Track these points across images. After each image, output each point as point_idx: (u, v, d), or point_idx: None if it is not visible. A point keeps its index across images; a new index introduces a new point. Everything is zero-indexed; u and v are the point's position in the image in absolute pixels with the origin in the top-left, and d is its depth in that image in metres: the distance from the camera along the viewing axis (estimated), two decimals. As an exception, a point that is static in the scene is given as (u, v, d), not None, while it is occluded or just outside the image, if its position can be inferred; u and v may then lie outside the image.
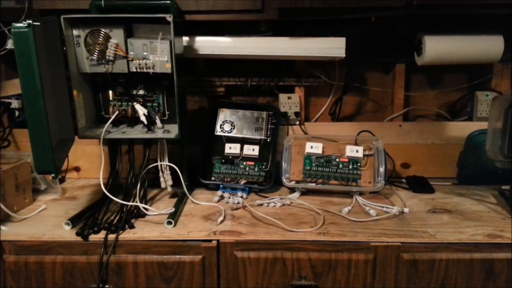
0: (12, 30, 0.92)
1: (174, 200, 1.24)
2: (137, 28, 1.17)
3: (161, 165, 1.25)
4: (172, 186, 1.28)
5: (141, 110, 1.20)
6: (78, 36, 1.13)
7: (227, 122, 1.38)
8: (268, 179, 1.32)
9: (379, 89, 1.52)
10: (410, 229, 1.08)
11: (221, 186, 1.32)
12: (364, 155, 1.30)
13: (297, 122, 1.46)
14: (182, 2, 1.19)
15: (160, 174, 1.26)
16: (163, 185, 1.27)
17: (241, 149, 1.35)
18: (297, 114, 1.46)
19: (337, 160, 1.31)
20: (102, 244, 1.04)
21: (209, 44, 1.32)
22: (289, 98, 1.45)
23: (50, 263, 1.05)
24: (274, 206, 1.22)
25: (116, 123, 1.23)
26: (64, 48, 1.11)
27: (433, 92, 1.52)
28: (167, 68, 1.15)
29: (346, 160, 1.30)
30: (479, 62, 1.37)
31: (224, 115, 1.39)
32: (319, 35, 1.33)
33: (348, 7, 1.18)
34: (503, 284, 1.04)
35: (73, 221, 1.10)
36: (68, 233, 1.07)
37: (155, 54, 1.14)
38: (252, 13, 1.21)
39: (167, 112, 1.25)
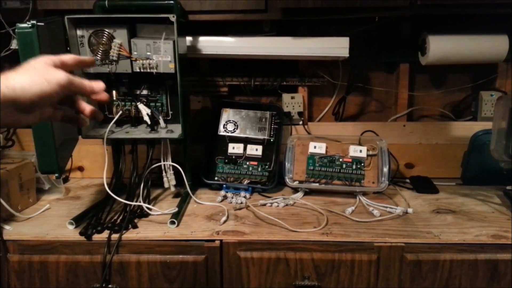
0: (16, 30, 0.92)
1: (177, 200, 1.24)
2: (140, 28, 1.17)
3: (164, 165, 1.25)
4: (175, 186, 1.28)
5: (145, 110, 1.20)
6: (82, 36, 1.14)
7: (230, 122, 1.38)
8: (271, 179, 1.32)
9: (383, 89, 1.51)
10: (414, 229, 1.08)
11: (224, 186, 1.32)
12: (367, 155, 1.30)
13: (301, 122, 1.46)
14: (186, 2, 1.19)
15: (164, 174, 1.26)
16: (166, 185, 1.27)
17: (244, 149, 1.35)
18: (300, 114, 1.45)
19: (341, 160, 1.30)
20: (106, 243, 1.04)
21: (212, 44, 1.32)
22: (292, 98, 1.45)
23: (53, 263, 1.05)
24: (277, 206, 1.22)
25: (119, 123, 1.23)
26: (68, 48, 1.11)
27: (437, 92, 1.52)
28: (170, 68, 1.15)
29: (350, 160, 1.30)
30: (484, 61, 1.37)
31: (227, 115, 1.39)
32: (323, 35, 1.32)
33: (352, 7, 1.17)
34: (507, 285, 1.03)
35: (77, 220, 1.10)
36: (71, 233, 1.08)
37: (159, 54, 1.14)
38: (255, 13, 1.21)
39: (170, 112, 1.25)
